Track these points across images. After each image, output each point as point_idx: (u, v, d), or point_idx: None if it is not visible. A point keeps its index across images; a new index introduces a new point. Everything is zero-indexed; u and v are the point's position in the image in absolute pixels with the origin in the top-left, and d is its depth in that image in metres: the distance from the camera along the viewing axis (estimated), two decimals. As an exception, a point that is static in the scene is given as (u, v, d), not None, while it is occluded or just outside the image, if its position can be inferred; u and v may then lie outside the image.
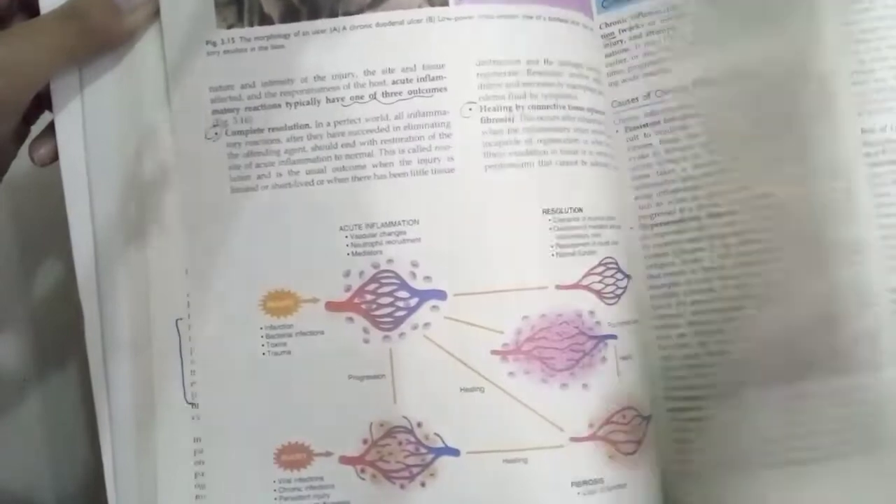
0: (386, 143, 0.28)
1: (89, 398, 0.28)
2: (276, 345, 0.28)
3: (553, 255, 0.28)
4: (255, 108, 0.28)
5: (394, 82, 0.28)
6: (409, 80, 0.28)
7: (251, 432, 0.28)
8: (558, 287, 0.28)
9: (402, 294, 0.28)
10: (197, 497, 0.28)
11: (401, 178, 0.28)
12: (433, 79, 0.28)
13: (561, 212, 0.28)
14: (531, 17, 0.28)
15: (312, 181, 0.28)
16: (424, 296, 0.28)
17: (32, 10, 0.27)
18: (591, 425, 0.28)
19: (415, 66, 0.28)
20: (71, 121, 0.28)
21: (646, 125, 0.30)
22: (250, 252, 0.28)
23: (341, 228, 0.28)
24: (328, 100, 0.28)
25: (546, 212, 0.28)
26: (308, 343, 0.28)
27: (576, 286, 0.28)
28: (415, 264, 0.28)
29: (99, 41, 0.27)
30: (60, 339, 0.37)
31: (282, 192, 0.28)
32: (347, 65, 0.28)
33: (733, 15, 0.29)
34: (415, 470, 0.28)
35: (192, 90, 0.28)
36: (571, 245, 0.28)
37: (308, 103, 0.28)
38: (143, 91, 0.28)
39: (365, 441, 0.28)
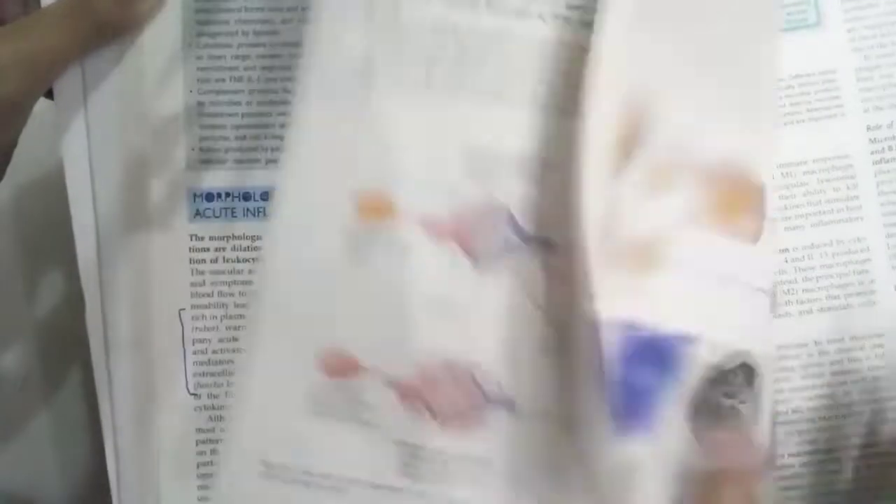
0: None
1: (92, 395, 0.28)
2: (359, 250, 0.26)
3: None
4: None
5: None
6: None
7: (295, 331, 0.25)
8: None
9: (508, 232, 0.26)
10: (199, 487, 0.28)
11: (516, 105, 0.26)
12: None
13: None
14: None
15: (449, 87, 0.26)
16: (531, 241, 0.26)
17: None
18: None
19: None
20: (73, 111, 0.28)
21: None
22: (344, 146, 0.26)
23: (461, 147, 0.26)
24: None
25: None
26: (393, 256, 0.26)
27: None
28: (525, 205, 0.26)
29: (111, 32, 0.27)
30: (63, 336, 0.37)
31: (420, 95, 0.26)
32: None
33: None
34: (464, 413, 0.26)
35: None
36: None
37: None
38: (147, 80, 0.28)
39: (418, 366, 0.26)
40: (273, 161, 0.29)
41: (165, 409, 0.28)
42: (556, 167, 0.26)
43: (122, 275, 0.28)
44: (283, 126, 0.28)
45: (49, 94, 0.28)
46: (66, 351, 0.37)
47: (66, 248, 0.28)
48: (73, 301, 0.29)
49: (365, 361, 0.26)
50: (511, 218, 0.26)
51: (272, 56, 0.28)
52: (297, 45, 0.28)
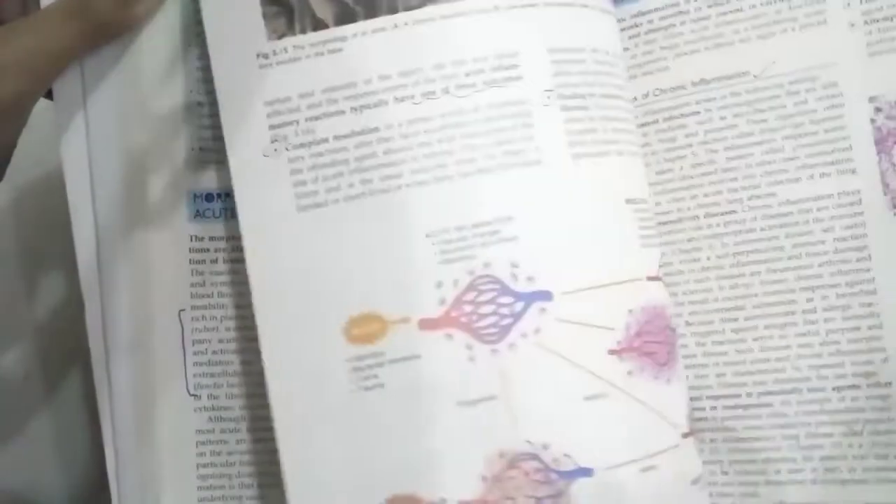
0: (466, 138, 0.26)
1: (92, 395, 0.28)
2: (365, 377, 0.25)
3: (640, 245, 0.27)
4: (317, 118, 0.26)
5: (466, 74, 0.26)
6: (482, 71, 0.26)
7: (346, 486, 0.25)
8: (648, 278, 0.27)
9: (505, 299, 0.25)
10: (199, 488, 0.28)
11: (487, 173, 0.25)
12: (508, 67, 0.26)
13: (638, 202, 0.28)
14: (587, 6, 0.28)
15: (388, 188, 0.25)
16: (530, 298, 0.25)
17: None
18: (687, 419, 0.28)
19: (486, 56, 0.26)
20: (72, 111, 0.28)
21: (644, 125, 0.30)
22: (325, 275, 0.26)
23: (427, 235, 0.25)
24: (396, 99, 0.26)
25: (629, 201, 0.28)
26: (403, 371, 0.25)
27: (656, 277, 0.28)
28: (515, 265, 0.25)
29: (110, 32, 0.27)
30: (63, 336, 0.37)
31: (354, 204, 0.26)
32: (414, 61, 0.26)
33: (733, 17, 0.29)
34: (547, 502, 0.25)
35: (245, 107, 0.26)
36: (649, 236, 0.28)
37: (375, 105, 0.26)
38: (147, 80, 0.28)
39: (484, 478, 0.24)
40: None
41: (165, 410, 0.28)
42: (525, 220, 0.25)
43: (122, 275, 0.28)
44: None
45: (49, 94, 0.28)
46: (66, 351, 0.37)
47: (66, 248, 0.28)
48: (73, 301, 0.29)
49: (426, 495, 0.24)
50: (501, 285, 0.25)
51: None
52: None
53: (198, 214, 0.28)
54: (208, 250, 0.28)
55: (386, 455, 0.25)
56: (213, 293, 0.28)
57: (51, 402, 0.37)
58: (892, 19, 0.28)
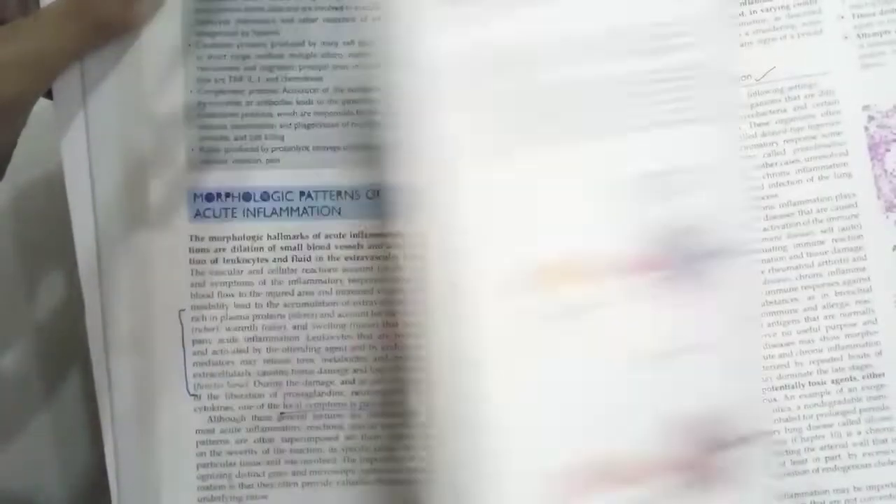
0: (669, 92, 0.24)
1: (92, 395, 0.28)
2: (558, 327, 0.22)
3: None
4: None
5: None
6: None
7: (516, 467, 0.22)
8: None
9: (697, 250, 0.24)
10: (199, 488, 0.28)
11: (686, 124, 0.24)
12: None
13: None
14: None
15: (603, 133, 0.23)
16: (713, 256, 0.24)
17: None
18: None
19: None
20: (72, 112, 0.28)
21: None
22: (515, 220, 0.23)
23: (627, 180, 0.23)
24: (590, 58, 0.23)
25: None
26: (609, 318, 0.23)
27: None
28: (700, 217, 0.24)
29: (111, 32, 0.27)
30: (63, 336, 0.37)
31: (553, 149, 0.23)
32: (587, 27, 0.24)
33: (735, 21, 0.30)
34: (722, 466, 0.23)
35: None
36: None
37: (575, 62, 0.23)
38: (147, 80, 0.28)
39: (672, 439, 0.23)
40: (274, 161, 0.29)
41: (165, 410, 0.28)
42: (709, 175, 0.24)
43: (122, 275, 0.28)
44: (283, 126, 0.28)
45: (49, 94, 0.28)
46: (66, 351, 0.37)
47: (66, 248, 0.28)
48: (73, 301, 0.29)
49: (615, 465, 0.22)
50: (696, 235, 0.24)
51: (272, 56, 0.28)
52: (297, 44, 0.28)
53: (198, 214, 0.29)
54: (208, 250, 0.28)
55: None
56: (213, 293, 0.28)
57: (51, 402, 0.37)
58: (881, 35, 0.29)
